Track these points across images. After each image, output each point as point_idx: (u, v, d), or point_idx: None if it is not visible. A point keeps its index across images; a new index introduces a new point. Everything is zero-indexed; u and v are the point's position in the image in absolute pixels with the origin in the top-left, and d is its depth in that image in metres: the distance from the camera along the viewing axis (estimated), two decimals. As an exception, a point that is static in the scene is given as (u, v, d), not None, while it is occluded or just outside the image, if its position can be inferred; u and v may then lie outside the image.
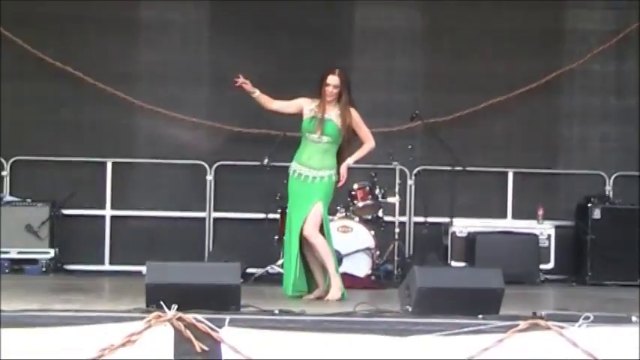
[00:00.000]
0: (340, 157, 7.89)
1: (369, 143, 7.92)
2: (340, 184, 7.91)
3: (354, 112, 7.91)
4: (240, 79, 7.87)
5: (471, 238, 10.01)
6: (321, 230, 7.80)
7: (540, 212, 10.26)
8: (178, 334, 5.39)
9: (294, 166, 7.91)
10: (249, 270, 9.47)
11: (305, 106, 7.89)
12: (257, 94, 7.91)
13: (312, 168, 7.82)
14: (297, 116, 7.94)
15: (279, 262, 9.40)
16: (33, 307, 5.98)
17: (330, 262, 7.79)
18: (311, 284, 7.91)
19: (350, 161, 7.86)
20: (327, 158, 7.85)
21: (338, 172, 7.85)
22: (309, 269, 7.91)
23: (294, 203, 7.89)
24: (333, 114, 7.84)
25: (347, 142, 7.91)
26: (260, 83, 10.42)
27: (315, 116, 7.81)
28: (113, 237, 10.45)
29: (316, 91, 7.90)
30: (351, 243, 9.14)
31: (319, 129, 7.80)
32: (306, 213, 7.75)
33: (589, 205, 10.09)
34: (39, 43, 10.34)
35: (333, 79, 7.84)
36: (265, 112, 10.21)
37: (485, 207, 10.56)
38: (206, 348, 5.41)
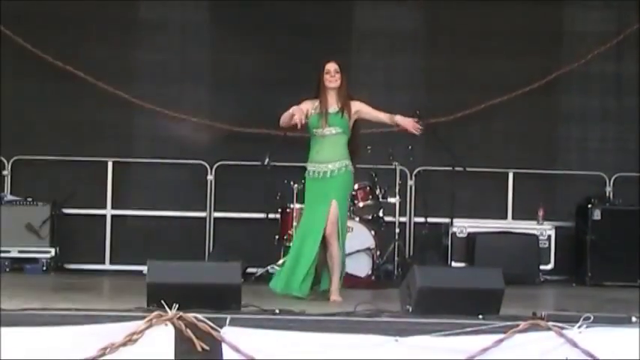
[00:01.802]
0: (350, 150, 7.85)
1: (386, 115, 7.87)
2: (412, 126, 7.78)
3: (356, 103, 7.88)
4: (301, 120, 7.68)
5: (471, 239, 10.02)
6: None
7: (540, 213, 10.26)
8: (179, 334, 5.41)
9: (308, 167, 7.88)
10: (250, 270, 9.47)
11: (310, 105, 7.87)
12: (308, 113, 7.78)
13: (322, 162, 7.79)
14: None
15: (280, 261, 9.41)
16: (34, 306, 5.99)
17: (337, 265, 7.77)
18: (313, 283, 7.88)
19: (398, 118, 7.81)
20: (336, 149, 7.81)
21: (353, 164, 7.82)
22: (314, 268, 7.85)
23: (312, 203, 7.80)
24: (335, 106, 7.83)
25: (355, 134, 7.88)
26: (259, 82, 10.52)
27: (320, 112, 7.80)
28: (114, 236, 10.46)
29: (315, 90, 7.88)
30: (352, 243, 9.13)
31: (325, 122, 7.79)
32: (326, 212, 7.72)
33: (589, 205, 10.10)
34: (39, 42, 10.34)
35: (332, 65, 7.84)
36: (266, 112, 10.29)
37: (486, 207, 10.56)
38: (207, 347, 5.42)
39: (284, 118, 7.85)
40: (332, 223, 7.73)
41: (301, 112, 7.69)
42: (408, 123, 7.88)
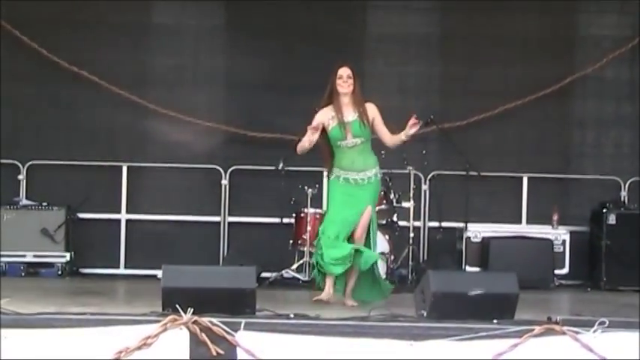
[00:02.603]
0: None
1: (389, 137, 7.81)
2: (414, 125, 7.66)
3: (372, 106, 7.83)
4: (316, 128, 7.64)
5: (486, 243, 10.00)
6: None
7: (555, 217, 10.24)
8: (194, 338, 5.42)
9: (337, 172, 7.81)
10: (264, 274, 9.48)
11: (324, 117, 7.77)
12: (315, 139, 7.68)
13: (358, 171, 7.78)
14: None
15: (294, 266, 9.42)
16: (49, 310, 6.02)
17: (356, 271, 7.75)
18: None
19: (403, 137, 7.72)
20: (368, 157, 7.81)
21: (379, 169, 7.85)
22: None
23: (342, 204, 7.72)
24: (353, 114, 7.76)
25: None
26: (273, 87, 10.54)
27: (339, 122, 7.73)
28: (128, 241, 10.48)
29: (327, 96, 7.83)
30: (366, 247, 9.14)
31: (348, 132, 7.74)
32: (358, 216, 7.71)
33: (604, 210, 10.07)
34: (54, 47, 10.38)
35: (344, 70, 7.77)
36: (280, 116, 10.30)
37: (500, 212, 10.54)
38: (221, 351, 5.43)
39: (302, 145, 7.73)
40: (363, 228, 7.75)
41: (316, 130, 7.61)
42: (409, 128, 7.66)
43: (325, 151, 7.87)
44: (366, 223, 7.79)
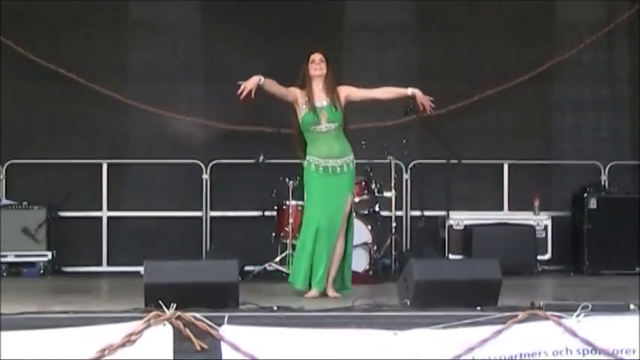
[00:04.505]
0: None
1: (379, 90, 7.85)
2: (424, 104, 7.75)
3: (344, 88, 7.83)
4: (244, 90, 7.55)
5: (468, 231, 10.02)
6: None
7: (536, 203, 10.27)
8: (178, 333, 5.41)
9: (314, 160, 7.76)
10: (247, 267, 9.46)
11: (299, 97, 7.80)
12: (262, 80, 7.63)
13: (337, 157, 7.76)
14: (290, 107, 7.86)
15: (277, 258, 9.41)
16: (31, 309, 5.98)
17: (338, 260, 7.77)
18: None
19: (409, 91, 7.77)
20: (344, 142, 7.80)
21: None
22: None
23: (324, 197, 7.69)
24: (326, 98, 7.77)
25: (347, 122, 7.88)
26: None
27: (312, 107, 7.74)
28: (110, 238, 10.44)
29: (301, 82, 7.83)
30: (349, 238, 9.14)
31: (322, 117, 7.75)
32: (343, 208, 7.71)
33: (585, 194, 10.10)
34: (31, 44, 10.31)
35: (317, 55, 7.81)
36: (259, 110, 10.26)
37: (481, 199, 10.56)
38: (206, 346, 5.42)
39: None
40: (346, 217, 7.77)
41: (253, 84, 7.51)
42: (425, 99, 7.76)
43: (298, 139, 7.83)
44: (348, 212, 7.81)
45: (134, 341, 5.33)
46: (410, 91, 7.87)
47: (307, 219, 7.82)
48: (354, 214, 8.03)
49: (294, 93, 7.82)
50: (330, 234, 7.70)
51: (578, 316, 5.59)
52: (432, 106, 7.86)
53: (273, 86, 7.74)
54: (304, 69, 7.84)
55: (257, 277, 9.26)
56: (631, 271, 9.77)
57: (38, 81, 10.42)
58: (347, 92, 7.86)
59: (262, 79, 7.65)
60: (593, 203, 10.05)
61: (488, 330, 5.54)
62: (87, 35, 10.46)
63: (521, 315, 5.58)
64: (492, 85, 10.60)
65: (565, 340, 5.57)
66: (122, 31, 10.59)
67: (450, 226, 10.11)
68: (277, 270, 9.38)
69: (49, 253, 9.94)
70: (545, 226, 10.16)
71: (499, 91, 10.61)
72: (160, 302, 5.50)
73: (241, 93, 7.58)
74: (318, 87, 7.82)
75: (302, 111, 7.80)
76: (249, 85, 7.59)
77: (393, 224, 9.90)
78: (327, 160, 7.76)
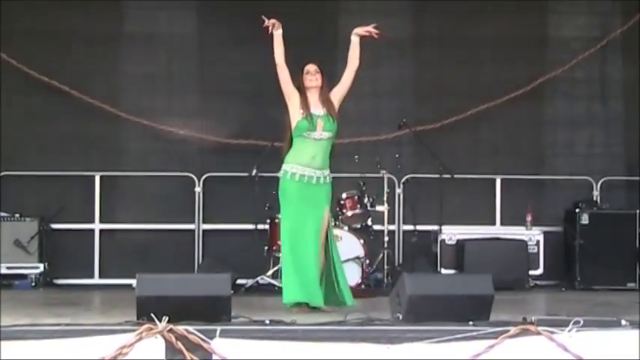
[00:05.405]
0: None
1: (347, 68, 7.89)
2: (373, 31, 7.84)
3: (332, 93, 7.81)
4: (269, 22, 7.69)
5: (460, 245, 10.03)
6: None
7: (529, 218, 10.29)
8: (170, 346, 5.40)
9: (292, 168, 7.66)
10: (240, 281, 9.46)
11: (297, 99, 7.72)
12: (280, 32, 7.78)
13: (317, 168, 7.67)
14: (284, 105, 7.85)
15: (270, 272, 9.41)
16: (23, 321, 5.97)
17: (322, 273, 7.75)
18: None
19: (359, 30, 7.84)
20: (327, 157, 7.74)
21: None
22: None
23: (303, 209, 7.59)
24: (322, 108, 7.75)
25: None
26: (246, 94, 10.52)
27: (310, 114, 7.68)
28: (102, 250, 10.43)
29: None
30: (341, 252, 9.11)
31: (319, 125, 7.70)
32: (321, 220, 7.61)
33: (577, 210, 10.13)
34: (24, 58, 10.32)
35: (311, 66, 7.83)
36: (253, 123, 10.27)
37: (474, 214, 10.58)
38: (197, 359, 5.41)
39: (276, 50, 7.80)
40: (325, 230, 7.69)
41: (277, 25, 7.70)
42: (367, 27, 7.86)
43: (288, 143, 7.77)
44: (327, 224, 7.71)
45: (126, 354, 5.32)
46: (354, 37, 7.92)
47: (284, 231, 7.68)
48: (332, 227, 7.90)
49: (294, 91, 7.77)
50: (309, 243, 7.54)
51: (569, 331, 5.59)
52: (377, 31, 7.82)
53: (281, 48, 7.81)
54: (299, 80, 7.83)
55: (249, 291, 9.26)
56: (622, 286, 9.80)
57: (32, 93, 10.42)
58: (334, 94, 7.83)
59: (281, 32, 7.76)
60: (585, 219, 10.07)
61: (480, 345, 5.54)
62: (81, 47, 10.47)
63: (513, 330, 5.58)
64: (486, 100, 10.63)
65: (557, 356, 5.56)
66: (116, 45, 10.60)
67: (443, 241, 10.13)
68: (270, 283, 9.38)
69: (41, 266, 9.93)
70: (538, 242, 10.18)
71: (492, 107, 10.65)
72: (152, 315, 5.49)
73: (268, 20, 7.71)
74: (314, 98, 7.81)
75: (298, 116, 7.74)
76: (276, 22, 7.75)
77: (386, 238, 9.92)
78: (306, 168, 7.65)
